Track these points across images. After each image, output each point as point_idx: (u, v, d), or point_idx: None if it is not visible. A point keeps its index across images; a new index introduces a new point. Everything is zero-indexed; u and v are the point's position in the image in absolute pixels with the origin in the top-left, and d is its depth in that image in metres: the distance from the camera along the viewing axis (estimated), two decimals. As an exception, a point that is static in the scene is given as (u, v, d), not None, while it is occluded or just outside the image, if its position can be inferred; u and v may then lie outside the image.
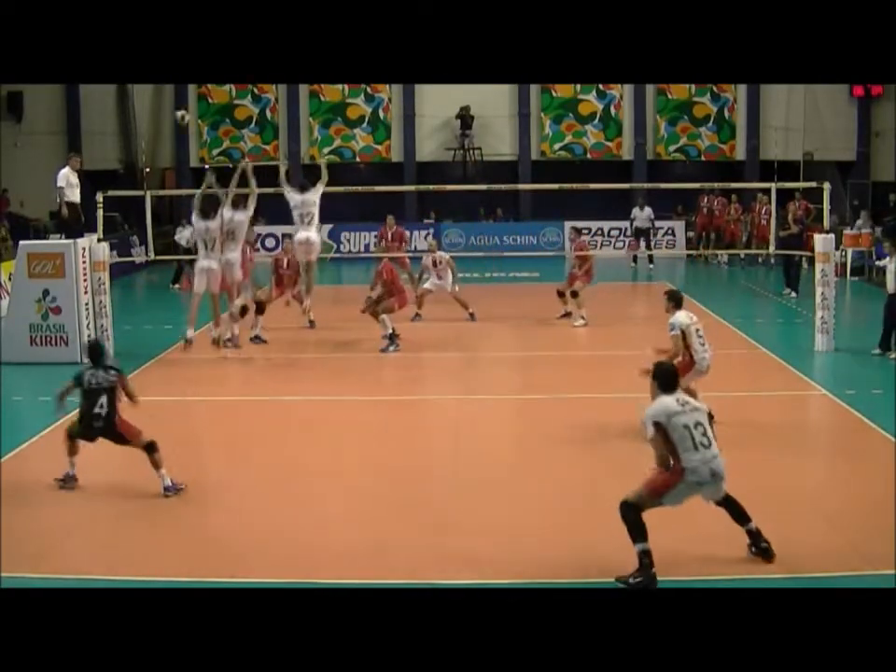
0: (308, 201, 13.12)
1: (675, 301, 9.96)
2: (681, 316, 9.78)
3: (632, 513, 6.44)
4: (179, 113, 14.74)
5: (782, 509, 7.68)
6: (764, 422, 10.39)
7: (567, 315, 16.39)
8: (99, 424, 8.18)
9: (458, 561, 6.76)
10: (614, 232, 27.30)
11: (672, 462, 6.49)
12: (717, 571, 6.46)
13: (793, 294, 18.66)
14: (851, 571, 6.36)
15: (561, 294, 16.53)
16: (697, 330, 9.78)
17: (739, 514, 6.69)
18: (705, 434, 6.49)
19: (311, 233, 12.99)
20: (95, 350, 8.46)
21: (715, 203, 25.44)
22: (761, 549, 6.63)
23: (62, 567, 6.70)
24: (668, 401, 6.61)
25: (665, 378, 6.79)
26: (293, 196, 13.35)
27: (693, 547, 6.91)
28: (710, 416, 9.49)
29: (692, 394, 9.47)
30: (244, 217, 13.19)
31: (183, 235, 21.58)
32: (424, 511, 7.76)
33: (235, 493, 8.32)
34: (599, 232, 27.41)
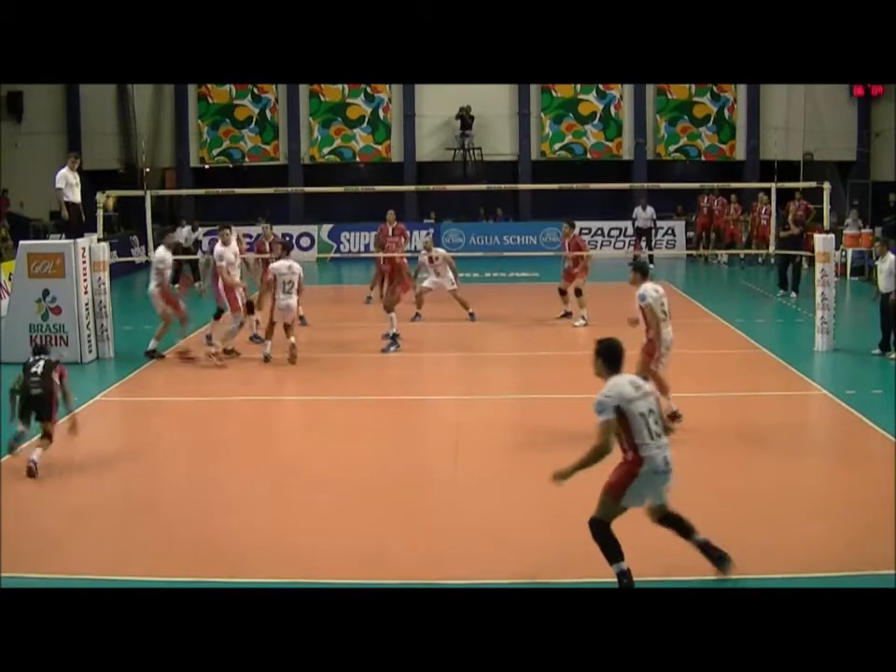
0: (294, 268, 13.39)
1: (641, 271, 9.79)
2: (650, 288, 9.64)
3: (600, 531, 6.15)
4: (101, 197, 14.12)
5: (782, 509, 7.69)
6: (765, 422, 10.38)
7: (568, 314, 16.38)
8: (35, 383, 8.72)
9: (458, 561, 6.76)
10: (614, 232, 27.33)
11: (626, 453, 6.16)
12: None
13: (793, 294, 18.65)
14: (851, 571, 6.35)
15: (563, 292, 16.52)
16: (663, 304, 9.68)
17: (684, 529, 6.37)
18: (657, 421, 6.19)
19: (291, 300, 13.30)
20: (41, 348, 9.35)
21: (715, 203, 25.46)
22: (716, 559, 6.27)
23: (62, 567, 6.70)
24: (623, 384, 6.17)
25: (611, 354, 6.28)
26: (281, 264, 13.54)
27: (692, 547, 6.91)
28: (677, 416, 9.47)
29: (662, 387, 9.48)
30: (163, 253, 13.83)
31: (181, 234, 21.62)
32: (423, 510, 7.76)
33: (235, 492, 8.32)
34: (599, 232, 27.44)
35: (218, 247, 13.51)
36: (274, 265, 13.58)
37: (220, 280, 13.42)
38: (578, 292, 16.13)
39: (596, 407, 6.09)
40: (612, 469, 6.20)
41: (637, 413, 6.09)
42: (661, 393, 9.25)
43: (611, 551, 6.12)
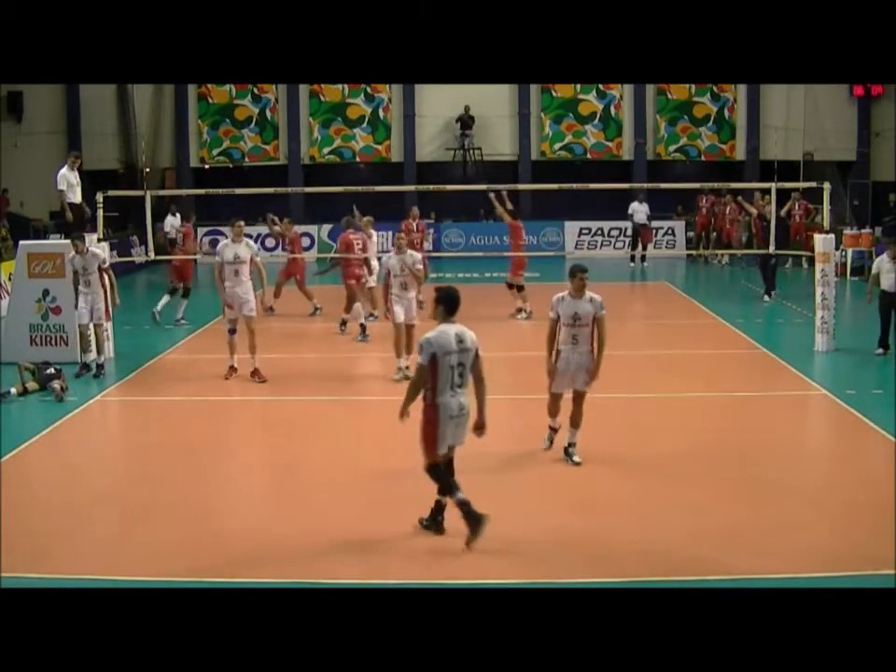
0: (406, 262, 12.17)
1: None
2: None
3: (434, 472, 7.02)
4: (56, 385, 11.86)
5: (782, 509, 7.69)
6: (765, 422, 10.39)
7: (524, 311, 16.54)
8: None
9: (458, 561, 6.76)
10: (614, 232, 27.33)
11: (425, 396, 6.92)
12: (717, 571, 6.46)
13: (766, 297, 18.34)
14: (851, 571, 6.36)
15: (511, 287, 16.69)
16: None
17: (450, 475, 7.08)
18: (461, 375, 6.92)
19: (410, 294, 12.29)
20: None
21: (719, 203, 25.38)
22: (472, 520, 6.82)
23: (62, 567, 6.70)
24: (449, 336, 6.83)
25: (451, 302, 6.93)
26: (391, 262, 12.36)
27: (693, 547, 6.92)
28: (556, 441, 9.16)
29: (578, 413, 8.86)
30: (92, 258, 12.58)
31: (168, 223, 21.66)
32: (424, 510, 7.75)
33: (235, 492, 8.32)
34: (599, 232, 27.45)
35: (222, 242, 12.87)
36: (388, 261, 12.40)
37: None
38: (519, 288, 16.32)
39: (418, 347, 6.94)
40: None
41: (448, 365, 6.84)
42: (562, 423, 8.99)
43: (447, 486, 6.99)
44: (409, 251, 12.42)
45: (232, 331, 12.41)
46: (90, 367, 12.55)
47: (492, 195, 17.15)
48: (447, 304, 6.92)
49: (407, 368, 11.75)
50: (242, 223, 12.68)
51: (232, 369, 12.42)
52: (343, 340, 15.17)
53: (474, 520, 6.81)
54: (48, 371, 11.68)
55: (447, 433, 6.93)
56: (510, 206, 17.31)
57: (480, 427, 7.09)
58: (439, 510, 7.13)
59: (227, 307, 12.39)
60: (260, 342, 12.48)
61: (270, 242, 25.20)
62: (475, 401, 7.04)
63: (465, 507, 6.87)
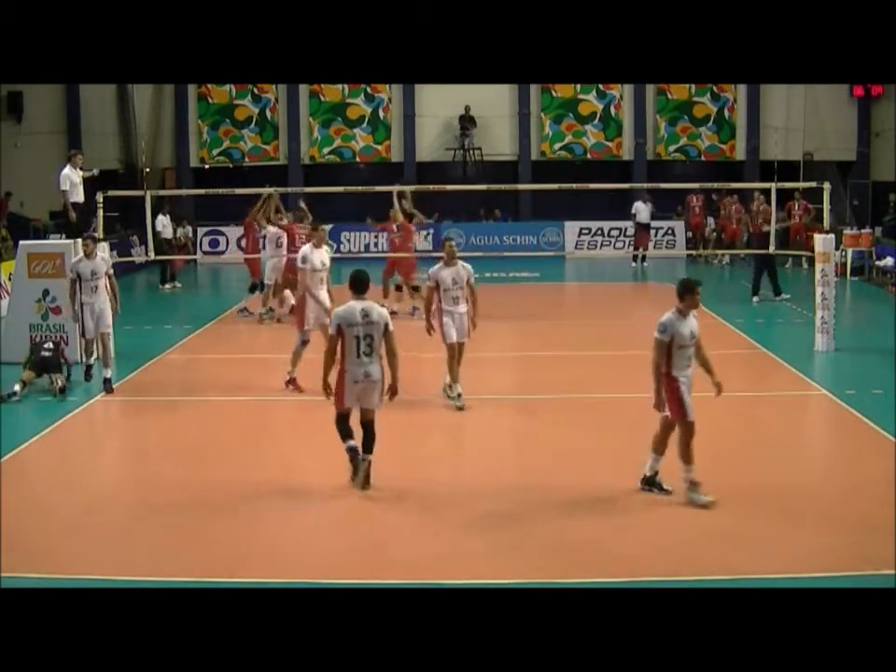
0: (459, 275, 10.82)
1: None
2: None
3: (338, 421, 8.06)
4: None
5: (782, 508, 7.69)
6: (765, 422, 10.39)
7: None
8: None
9: (458, 561, 6.76)
10: (614, 232, 27.32)
11: (340, 363, 7.94)
12: (717, 571, 6.46)
13: (784, 295, 18.21)
14: (851, 571, 6.36)
15: (399, 288, 16.64)
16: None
17: (367, 441, 8.12)
18: (370, 345, 7.90)
19: (462, 309, 10.87)
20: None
21: (727, 202, 25.35)
22: (356, 467, 8.00)
23: (62, 567, 6.70)
24: (354, 311, 7.88)
25: (356, 282, 7.98)
26: (443, 274, 10.82)
27: (694, 547, 6.92)
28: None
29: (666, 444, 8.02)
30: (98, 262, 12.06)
31: (159, 223, 21.64)
32: (423, 510, 7.76)
33: (235, 492, 8.31)
34: (599, 232, 27.44)
35: (305, 248, 11.84)
36: (438, 272, 10.83)
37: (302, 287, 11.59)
38: (412, 288, 16.34)
39: (329, 321, 8.04)
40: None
41: (353, 336, 7.85)
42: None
43: (344, 434, 8.07)
44: (460, 262, 10.88)
45: (307, 342, 11.55)
46: (91, 368, 12.45)
47: (395, 192, 16.96)
48: (353, 285, 7.98)
49: (459, 396, 10.74)
50: (324, 227, 12.14)
51: (295, 382, 11.55)
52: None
53: (357, 466, 7.99)
54: (44, 351, 11.86)
55: (353, 394, 7.99)
56: (407, 208, 16.97)
57: (392, 393, 8.12)
58: (358, 462, 8.01)
59: (307, 317, 11.53)
60: (253, 343, 12.47)
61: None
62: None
63: (352, 453, 8.01)
